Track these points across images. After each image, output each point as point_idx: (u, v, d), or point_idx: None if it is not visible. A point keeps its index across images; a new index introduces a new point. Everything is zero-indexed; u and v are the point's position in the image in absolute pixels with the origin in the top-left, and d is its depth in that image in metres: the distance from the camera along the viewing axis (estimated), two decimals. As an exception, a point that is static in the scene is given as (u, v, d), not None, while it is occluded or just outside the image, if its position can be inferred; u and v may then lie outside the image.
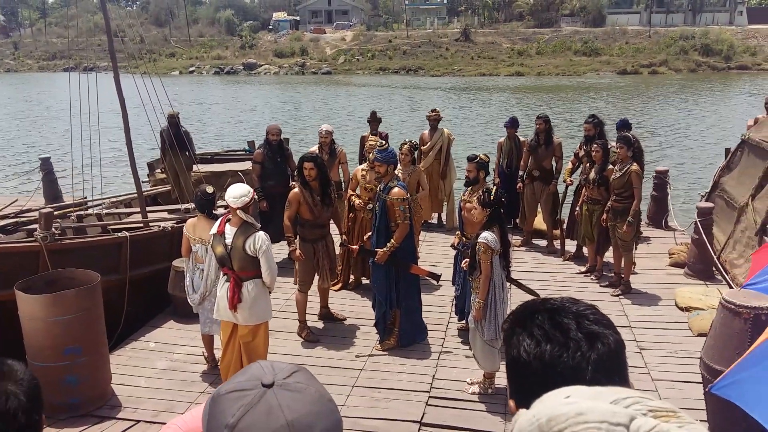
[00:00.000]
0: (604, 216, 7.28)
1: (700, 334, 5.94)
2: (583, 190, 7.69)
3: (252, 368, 1.06)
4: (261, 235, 4.87)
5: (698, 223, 7.64)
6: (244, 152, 11.69)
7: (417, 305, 6.23)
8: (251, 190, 5.01)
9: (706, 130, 23.21)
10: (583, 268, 7.99)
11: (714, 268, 7.64)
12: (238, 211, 4.86)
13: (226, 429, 0.96)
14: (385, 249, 5.90)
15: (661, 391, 5.19)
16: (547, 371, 1.07)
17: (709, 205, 8.02)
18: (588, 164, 7.67)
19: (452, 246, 6.50)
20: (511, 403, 1.12)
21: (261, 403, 0.98)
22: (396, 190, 5.91)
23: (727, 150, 9.44)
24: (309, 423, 0.97)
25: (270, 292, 5.18)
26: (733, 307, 4.43)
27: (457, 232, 6.37)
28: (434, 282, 6.85)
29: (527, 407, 0.86)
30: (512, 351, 1.13)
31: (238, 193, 4.86)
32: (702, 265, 7.68)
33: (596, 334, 1.09)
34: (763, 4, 68.65)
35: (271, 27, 73.11)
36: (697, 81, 42.26)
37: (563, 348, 1.08)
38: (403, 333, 6.14)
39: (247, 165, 9.41)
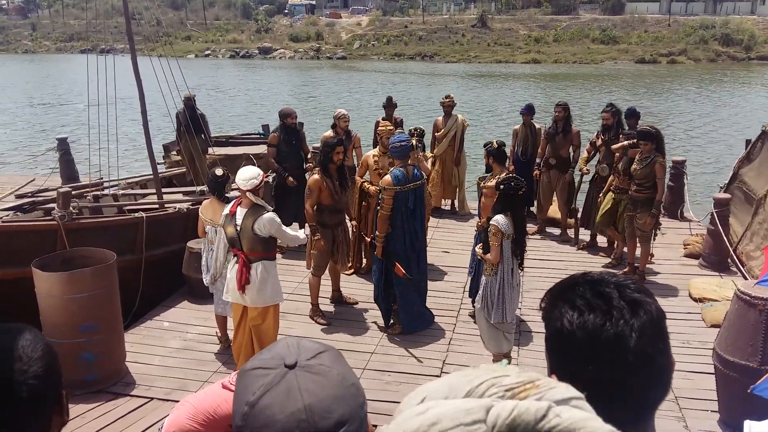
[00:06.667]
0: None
1: (714, 325, 5.92)
2: (610, 178, 7.59)
3: (278, 345, 1.05)
4: (266, 217, 4.84)
5: (714, 214, 7.57)
6: (258, 135, 11.72)
7: (415, 298, 6.17)
8: (261, 172, 4.98)
9: (725, 120, 22.86)
10: (609, 260, 7.87)
11: (729, 260, 7.58)
12: (248, 194, 4.87)
13: (247, 406, 0.97)
14: (376, 242, 5.92)
15: (672, 381, 5.16)
16: (591, 341, 1.06)
17: (726, 196, 7.93)
18: (603, 153, 7.56)
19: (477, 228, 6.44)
20: (553, 378, 1.11)
21: (281, 383, 0.97)
22: (386, 177, 5.90)
23: (748, 141, 9.32)
24: (327, 407, 0.96)
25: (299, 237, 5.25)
26: (748, 298, 4.40)
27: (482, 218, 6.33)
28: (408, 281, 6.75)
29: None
30: (555, 324, 1.11)
31: (247, 175, 4.86)
32: (717, 256, 7.61)
33: (639, 302, 1.08)
34: (787, -6, 67.26)
35: (286, 11, 72.84)
36: (716, 71, 41.61)
37: (606, 316, 1.06)
38: (403, 324, 6.16)
39: (262, 148, 9.42)
